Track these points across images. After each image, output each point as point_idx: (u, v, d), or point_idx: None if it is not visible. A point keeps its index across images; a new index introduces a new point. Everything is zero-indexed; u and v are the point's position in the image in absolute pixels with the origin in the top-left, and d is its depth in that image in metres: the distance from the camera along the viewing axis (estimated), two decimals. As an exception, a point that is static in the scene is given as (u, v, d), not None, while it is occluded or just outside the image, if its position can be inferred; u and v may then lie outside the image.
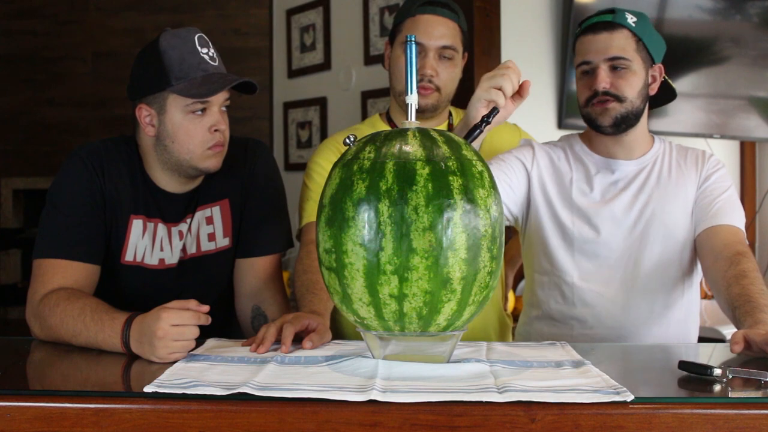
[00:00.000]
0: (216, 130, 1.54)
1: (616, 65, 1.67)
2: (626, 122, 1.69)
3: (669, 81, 1.78)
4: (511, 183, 1.77)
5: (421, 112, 1.86)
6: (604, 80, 1.66)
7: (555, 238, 1.75)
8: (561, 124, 2.92)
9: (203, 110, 1.52)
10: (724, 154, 3.45)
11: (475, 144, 1.44)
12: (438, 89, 1.86)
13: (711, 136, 3.22)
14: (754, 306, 1.38)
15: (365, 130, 1.85)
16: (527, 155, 1.80)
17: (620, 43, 1.67)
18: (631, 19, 1.68)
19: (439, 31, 1.85)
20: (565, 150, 1.81)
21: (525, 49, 2.89)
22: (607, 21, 1.68)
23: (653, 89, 1.74)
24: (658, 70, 1.74)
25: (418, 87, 1.81)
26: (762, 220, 3.50)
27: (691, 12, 3.05)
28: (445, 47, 1.86)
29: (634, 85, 1.68)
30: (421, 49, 1.84)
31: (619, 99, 1.67)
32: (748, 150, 3.55)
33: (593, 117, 1.70)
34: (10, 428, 1.01)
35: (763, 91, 3.29)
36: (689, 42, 3.07)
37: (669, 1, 2.99)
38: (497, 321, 2.01)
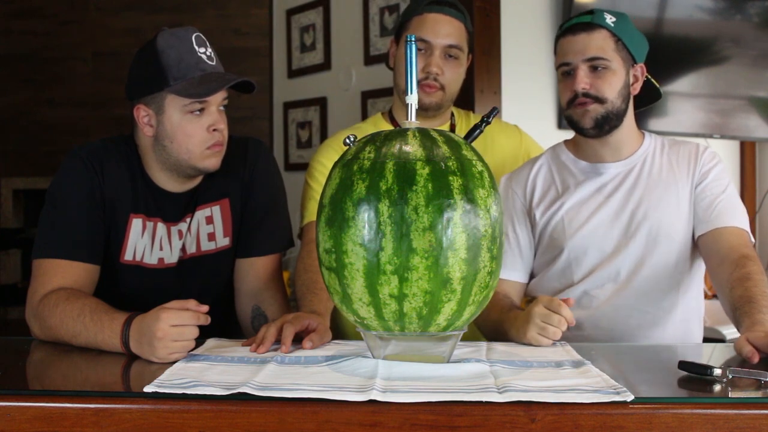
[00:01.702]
0: (215, 130, 1.54)
1: (595, 65, 1.67)
2: (608, 123, 1.69)
3: (653, 81, 1.78)
4: (522, 256, 1.79)
5: (424, 110, 1.87)
6: (582, 81, 1.66)
7: (552, 249, 1.75)
8: (561, 124, 2.91)
9: (201, 110, 1.52)
10: (724, 154, 3.45)
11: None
12: (442, 88, 1.87)
13: (711, 136, 3.22)
14: (754, 306, 1.38)
15: (367, 129, 1.85)
16: (518, 203, 1.80)
17: (598, 43, 1.66)
18: (609, 19, 1.68)
19: (445, 30, 1.86)
20: (548, 163, 1.82)
21: (525, 49, 2.89)
22: (586, 22, 1.69)
23: (635, 89, 1.73)
24: (639, 70, 1.73)
25: (422, 84, 1.84)
26: (762, 220, 3.49)
27: (691, 12, 3.05)
28: (451, 46, 1.86)
29: (613, 85, 1.67)
30: (427, 47, 1.85)
31: (599, 100, 1.67)
32: (748, 150, 3.55)
33: (575, 119, 1.70)
34: (10, 428, 1.01)
35: (763, 91, 3.29)
36: (689, 42, 3.06)
37: (669, 1, 2.99)
38: None
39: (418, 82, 1.85)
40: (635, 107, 1.78)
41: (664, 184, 1.71)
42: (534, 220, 1.78)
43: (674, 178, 1.72)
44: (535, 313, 1.41)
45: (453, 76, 1.89)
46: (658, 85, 1.80)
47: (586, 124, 1.69)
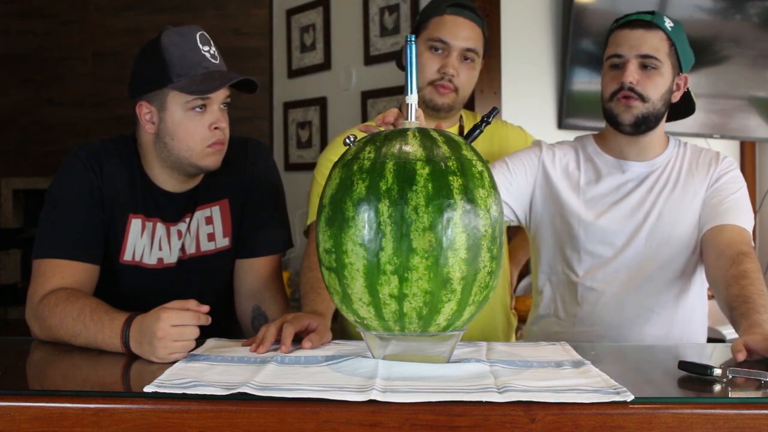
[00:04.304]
0: (216, 128, 1.54)
1: (646, 63, 1.67)
2: (646, 123, 1.69)
3: (691, 94, 1.79)
4: (510, 185, 1.77)
5: (436, 110, 1.88)
6: (632, 75, 1.66)
7: (562, 239, 1.77)
8: (561, 124, 2.92)
9: (203, 107, 1.52)
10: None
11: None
12: (456, 90, 1.88)
13: (711, 136, 3.22)
14: (750, 307, 1.38)
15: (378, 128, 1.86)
16: (533, 157, 1.81)
17: (654, 42, 1.67)
18: (668, 23, 1.69)
19: (465, 33, 1.87)
20: (576, 150, 1.82)
21: (525, 49, 2.89)
22: (646, 20, 1.69)
23: (676, 97, 1.74)
24: (683, 80, 1.74)
25: (437, 85, 1.85)
26: (762, 220, 3.49)
27: (691, 12, 3.05)
28: (468, 49, 1.87)
29: (659, 87, 1.68)
30: (445, 48, 1.86)
31: (642, 98, 1.67)
32: (748, 150, 3.55)
33: (615, 113, 1.70)
34: (10, 428, 1.01)
35: (763, 91, 3.29)
36: (689, 42, 3.06)
37: (669, 1, 2.99)
38: (504, 319, 2.03)
39: (433, 82, 1.86)
40: (668, 119, 1.79)
41: (682, 188, 1.72)
42: (553, 195, 1.77)
43: (693, 183, 1.73)
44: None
45: (467, 79, 1.90)
46: (694, 99, 1.80)
47: (626, 120, 1.69)
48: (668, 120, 1.79)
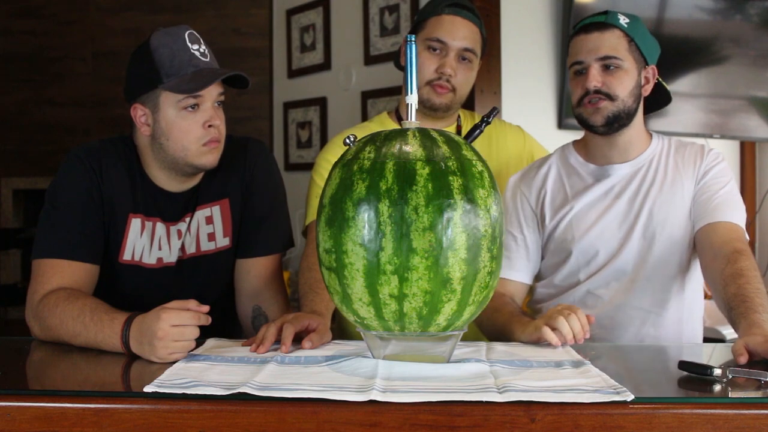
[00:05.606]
0: (210, 126, 1.53)
1: (607, 64, 1.67)
2: (618, 121, 1.69)
3: (663, 84, 1.79)
4: (527, 251, 1.79)
5: (434, 110, 1.88)
6: (595, 79, 1.67)
7: (556, 247, 1.76)
8: (561, 124, 2.91)
9: (196, 106, 1.52)
10: (724, 154, 3.46)
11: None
12: (453, 90, 1.88)
13: (711, 136, 3.22)
14: (749, 306, 1.38)
15: (374, 128, 1.85)
16: (518, 205, 1.81)
17: (612, 42, 1.67)
18: (623, 20, 1.69)
19: (462, 33, 1.87)
20: (558, 164, 1.82)
21: (525, 49, 2.89)
22: (599, 22, 1.70)
23: (646, 90, 1.74)
24: (651, 72, 1.74)
25: (434, 85, 1.85)
26: (762, 220, 3.49)
27: (691, 12, 3.05)
28: (466, 49, 1.88)
29: (625, 84, 1.68)
30: (443, 48, 1.87)
31: (610, 97, 1.67)
32: (748, 150, 3.55)
33: (585, 117, 1.71)
34: (10, 428, 1.01)
35: (763, 91, 3.28)
36: (689, 42, 3.07)
37: (669, 1, 2.99)
38: None
39: (431, 82, 1.86)
40: (646, 111, 1.79)
41: (669, 185, 1.72)
42: (543, 223, 1.79)
43: (680, 179, 1.72)
44: (551, 310, 1.42)
45: (465, 79, 1.90)
46: (668, 88, 1.80)
47: (597, 122, 1.69)
48: (647, 112, 1.79)
